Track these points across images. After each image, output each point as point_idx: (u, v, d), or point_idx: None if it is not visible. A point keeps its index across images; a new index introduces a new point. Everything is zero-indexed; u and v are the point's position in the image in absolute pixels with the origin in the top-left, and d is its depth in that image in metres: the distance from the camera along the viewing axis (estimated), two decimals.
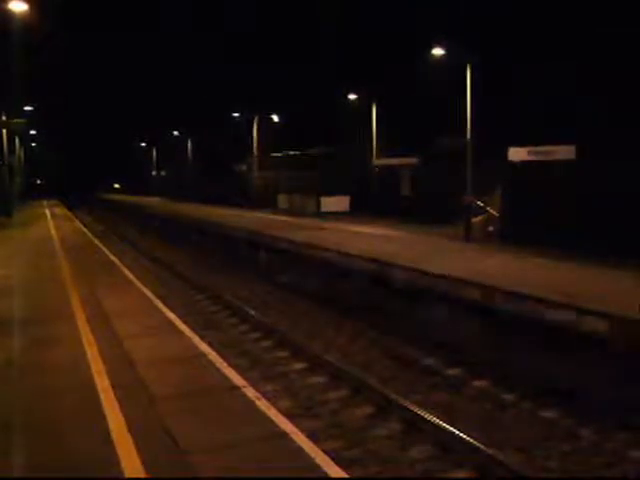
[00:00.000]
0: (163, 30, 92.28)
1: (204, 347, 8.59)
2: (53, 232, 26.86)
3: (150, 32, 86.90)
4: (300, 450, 5.37)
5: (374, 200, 32.79)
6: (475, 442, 7.58)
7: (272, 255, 20.96)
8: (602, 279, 12.85)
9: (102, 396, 6.65)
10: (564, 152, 20.20)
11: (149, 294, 12.52)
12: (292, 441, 5.54)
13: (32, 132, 64.55)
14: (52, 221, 34.81)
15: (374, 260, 15.48)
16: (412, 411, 8.53)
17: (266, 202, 40.40)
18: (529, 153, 20.98)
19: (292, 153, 44.12)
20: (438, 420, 8.21)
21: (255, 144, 47.49)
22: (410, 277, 13.86)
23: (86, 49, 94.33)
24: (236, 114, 52.94)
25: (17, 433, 5.86)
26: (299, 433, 5.77)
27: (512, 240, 18.67)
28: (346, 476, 5.15)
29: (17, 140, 51.37)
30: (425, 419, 8.29)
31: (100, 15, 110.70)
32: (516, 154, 21.27)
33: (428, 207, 26.42)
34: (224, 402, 6.52)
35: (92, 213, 58.70)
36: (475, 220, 21.95)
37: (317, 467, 5.06)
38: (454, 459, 7.50)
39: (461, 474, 7.22)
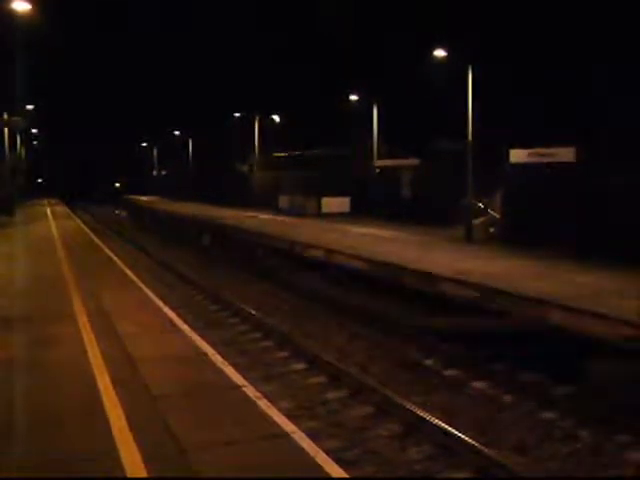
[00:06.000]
0: (162, 30, 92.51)
1: None
2: (54, 231, 26.93)
3: (150, 32, 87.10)
4: None
5: (374, 201, 32.70)
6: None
7: None
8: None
9: (103, 393, 6.70)
10: (564, 154, 20.21)
11: None
12: None
13: (34, 131, 64.67)
14: (53, 220, 34.87)
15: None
16: None
17: (267, 202, 40.23)
18: (529, 155, 21.00)
19: (293, 154, 44.11)
20: None
21: (256, 144, 47.44)
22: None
23: (88, 48, 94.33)
24: (237, 114, 52.98)
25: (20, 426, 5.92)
26: None
27: (513, 242, 18.71)
28: None
29: (18, 139, 51.40)
30: None
31: (100, 15, 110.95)
32: (517, 156, 21.28)
33: (429, 209, 26.37)
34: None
35: (97, 219, 48.57)
36: (476, 222, 21.98)
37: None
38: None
39: None
